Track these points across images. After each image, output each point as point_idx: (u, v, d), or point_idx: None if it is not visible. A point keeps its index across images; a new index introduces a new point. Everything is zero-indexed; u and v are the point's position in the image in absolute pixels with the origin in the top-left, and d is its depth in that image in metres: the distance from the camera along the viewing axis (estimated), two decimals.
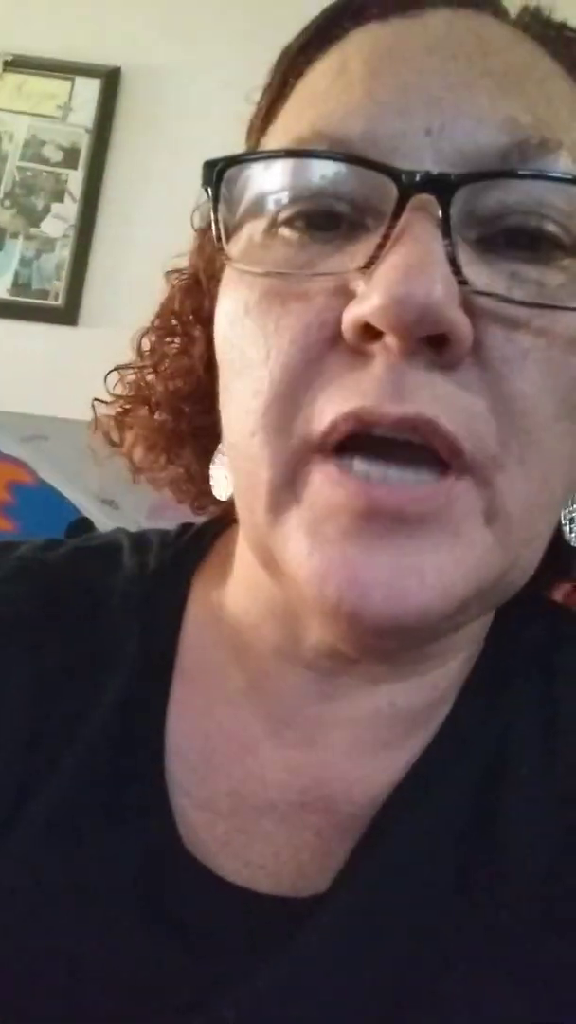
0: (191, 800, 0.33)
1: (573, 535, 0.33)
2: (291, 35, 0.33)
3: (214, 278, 0.35)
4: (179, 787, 0.34)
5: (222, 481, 0.36)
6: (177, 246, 0.40)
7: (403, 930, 0.31)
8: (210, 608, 0.37)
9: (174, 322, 0.39)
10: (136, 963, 0.31)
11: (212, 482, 0.37)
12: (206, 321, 0.35)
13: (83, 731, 0.34)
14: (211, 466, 0.38)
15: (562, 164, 0.27)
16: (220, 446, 0.36)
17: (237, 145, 0.35)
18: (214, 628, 0.37)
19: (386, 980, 0.30)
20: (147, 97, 1.49)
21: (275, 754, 0.34)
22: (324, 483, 0.27)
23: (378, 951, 0.30)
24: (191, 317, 0.38)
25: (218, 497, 0.37)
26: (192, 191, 0.33)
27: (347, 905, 0.31)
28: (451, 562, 0.26)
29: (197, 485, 0.40)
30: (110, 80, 1.47)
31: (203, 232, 0.38)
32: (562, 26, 0.33)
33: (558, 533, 0.33)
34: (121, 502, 1.20)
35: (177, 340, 0.39)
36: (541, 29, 0.32)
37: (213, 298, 0.33)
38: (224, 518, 0.40)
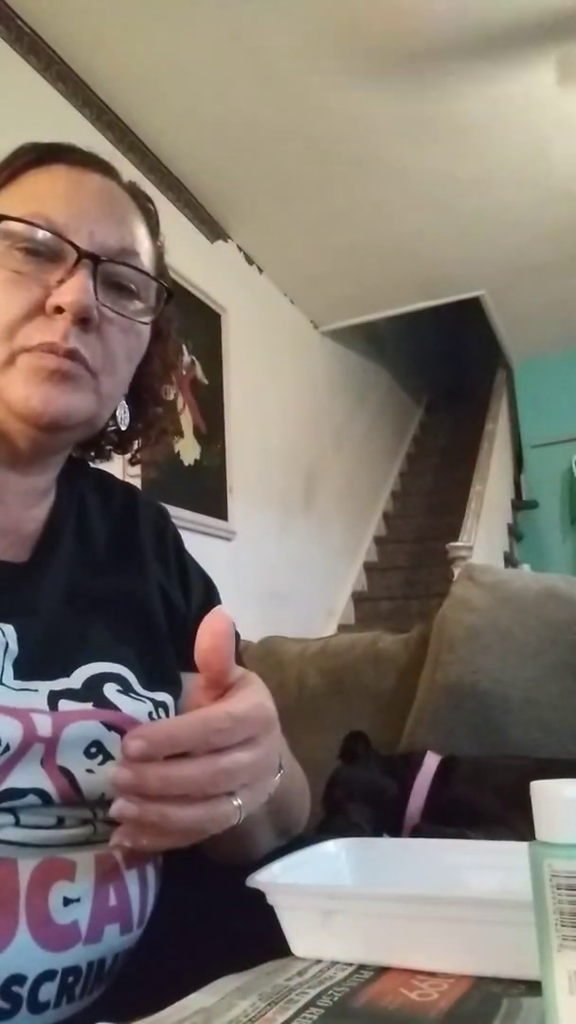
0: None
1: (122, 420, 0.72)
2: None
3: None
4: None
5: None
6: None
7: (86, 567, 0.67)
8: None
9: None
10: None
11: None
12: None
13: None
14: None
15: (135, 262, 0.65)
16: None
17: None
18: None
19: (83, 588, 0.64)
20: None
21: None
22: (31, 358, 0.59)
23: (75, 577, 0.65)
24: None
25: None
26: None
27: (50, 561, 0.64)
28: (82, 403, 0.62)
29: None
30: None
31: None
32: (142, 194, 0.71)
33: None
34: None
35: None
36: (133, 192, 0.69)
37: None
38: None
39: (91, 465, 0.77)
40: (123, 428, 0.72)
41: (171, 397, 0.77)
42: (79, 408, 0.61)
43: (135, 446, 0.76)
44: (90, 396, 0.62)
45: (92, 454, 0.76)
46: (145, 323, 0.66)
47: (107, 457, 0.77)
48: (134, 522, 0.74)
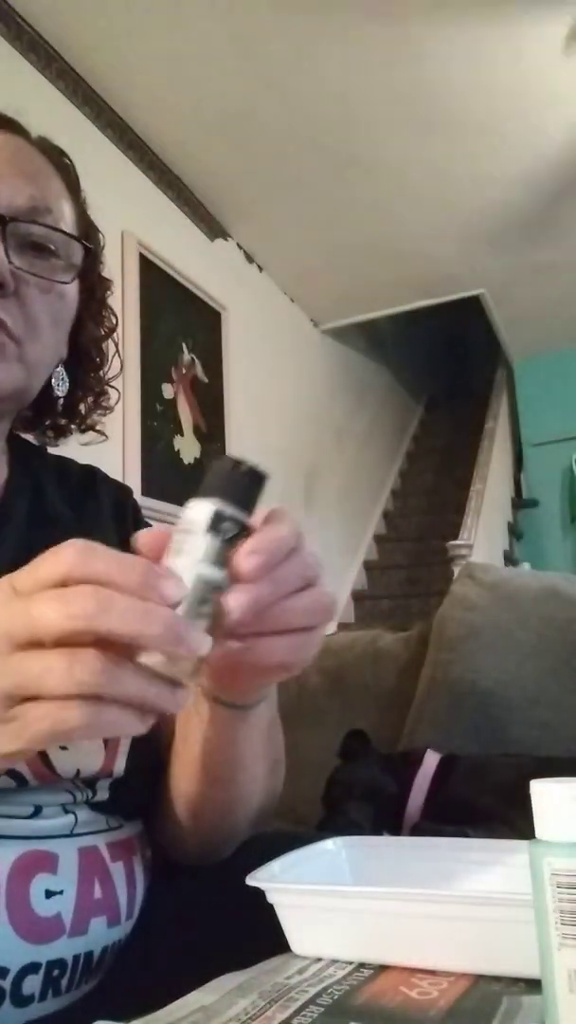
0: None
1: (59, 387, 0.70)
2: None
3: None
4: None
5: None
6: None
7: (42, 528, 0.63)
8: None
9: None
10: None
11: None
12: None
13: None
14: None
15: (50, 219, 0.62)
16: None
17: None
18: None
19: (40, 545, 0.47)
20: None
21: None
22: None
23: (33, 537, 0.60)
24: None
25: None
26: None
27: (4, 525, 0.63)
28: (7, 375, 0.60)
29: None
30: None
31: None
32: (56, 149, 0.68)
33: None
34: None
35: None
36: (45, 148, 0.67)
37: None
38: None
39: (49, 452, 0.75)
40: (60, 395, 0.69)
41: (111, 360, 0.75)
42: (5, 380, 0.59)
43: (82, 412, 0.75)
44: (15, 366, 0.60)
45: (50, 434, 0.75)
46: (65, 282, 0.63)
47: (64, 434, 0.76)
48: (94, 495, 0.72)
